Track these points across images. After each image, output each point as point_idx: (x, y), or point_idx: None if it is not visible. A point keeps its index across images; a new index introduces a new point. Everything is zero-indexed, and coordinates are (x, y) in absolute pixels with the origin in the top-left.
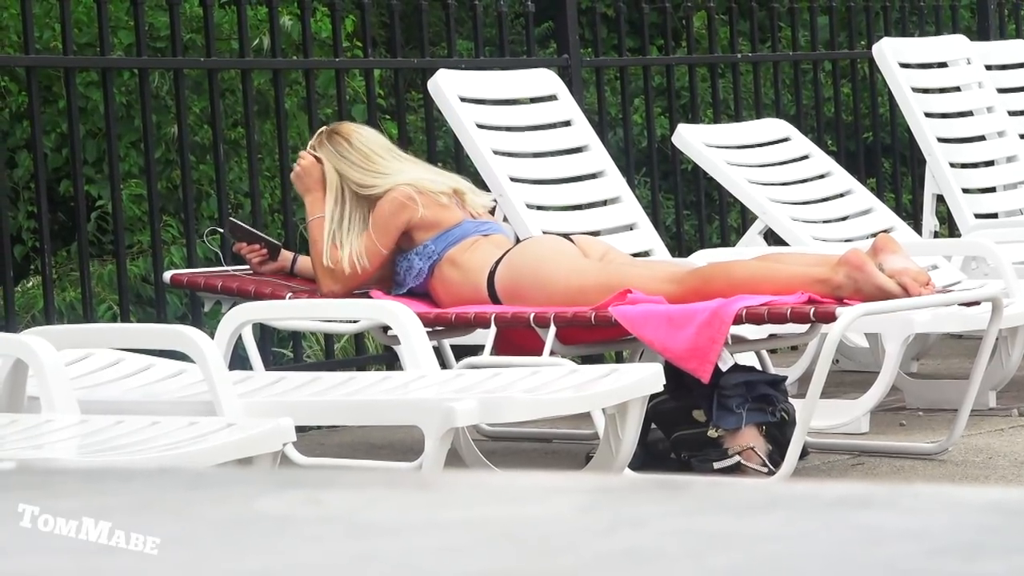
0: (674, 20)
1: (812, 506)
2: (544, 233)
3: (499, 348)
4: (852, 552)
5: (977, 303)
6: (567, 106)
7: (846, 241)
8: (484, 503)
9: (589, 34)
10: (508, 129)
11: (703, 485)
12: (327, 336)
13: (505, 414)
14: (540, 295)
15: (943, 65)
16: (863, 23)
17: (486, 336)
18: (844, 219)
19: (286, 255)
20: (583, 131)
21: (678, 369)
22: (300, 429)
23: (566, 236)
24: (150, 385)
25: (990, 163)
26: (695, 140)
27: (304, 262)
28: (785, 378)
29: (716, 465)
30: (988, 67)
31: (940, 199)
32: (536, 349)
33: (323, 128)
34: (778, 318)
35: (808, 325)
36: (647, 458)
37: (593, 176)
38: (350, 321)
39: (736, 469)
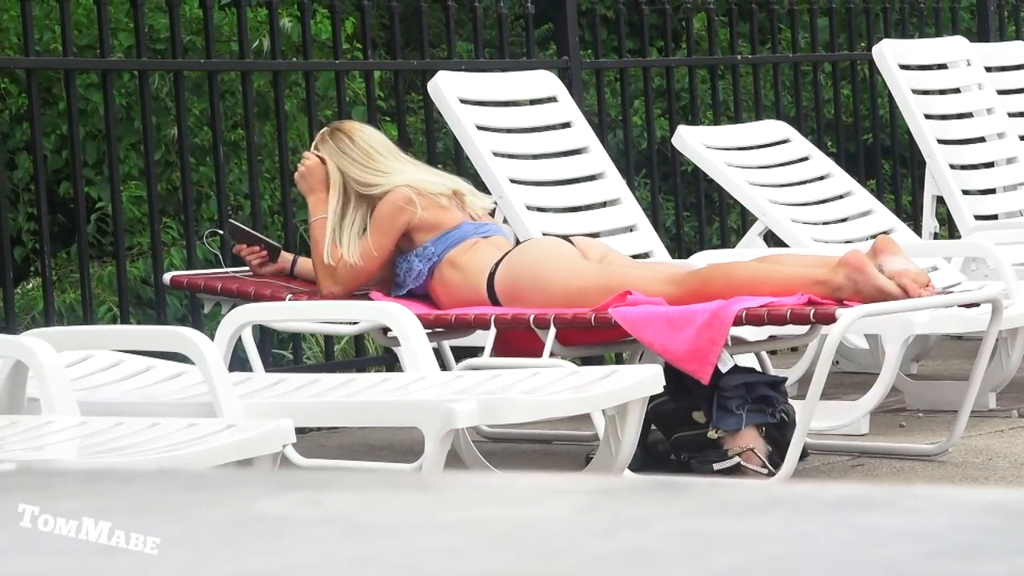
0: (674, 22)
1: (812, 507)
2: (544, 235)
3: (499, 349)
4: (852, 553)
5: (977, 304)
6: (567, 108)
7: (846, 242)
8: (484, 504)
9: (589, 36)
10: (508, 131)
11: (703, 486)
12: (327, 338)
13: (505, 415)
14: (540, 296)
15: (943, 67)
16: (863, 25)
17: (486, 337)
18: (844, 220)
19: (286, 257)
20: (583, 133)
21: (678, 370)
22: (300, 430)
23: (566, 238)
24: (150, 387)
25: (990, 164)
26: (695, 142)
27: (304, 264)
28: (785, 379)
29: (716, 466)
30: (988, 69)
31: (940, 200)
32: (536, 350)
33: (326, 127)
34: (778, 319)
35: (808, 326)
36: (647, 459)
37: (593, 178)
38: (350, 323)
39: (736, 470)
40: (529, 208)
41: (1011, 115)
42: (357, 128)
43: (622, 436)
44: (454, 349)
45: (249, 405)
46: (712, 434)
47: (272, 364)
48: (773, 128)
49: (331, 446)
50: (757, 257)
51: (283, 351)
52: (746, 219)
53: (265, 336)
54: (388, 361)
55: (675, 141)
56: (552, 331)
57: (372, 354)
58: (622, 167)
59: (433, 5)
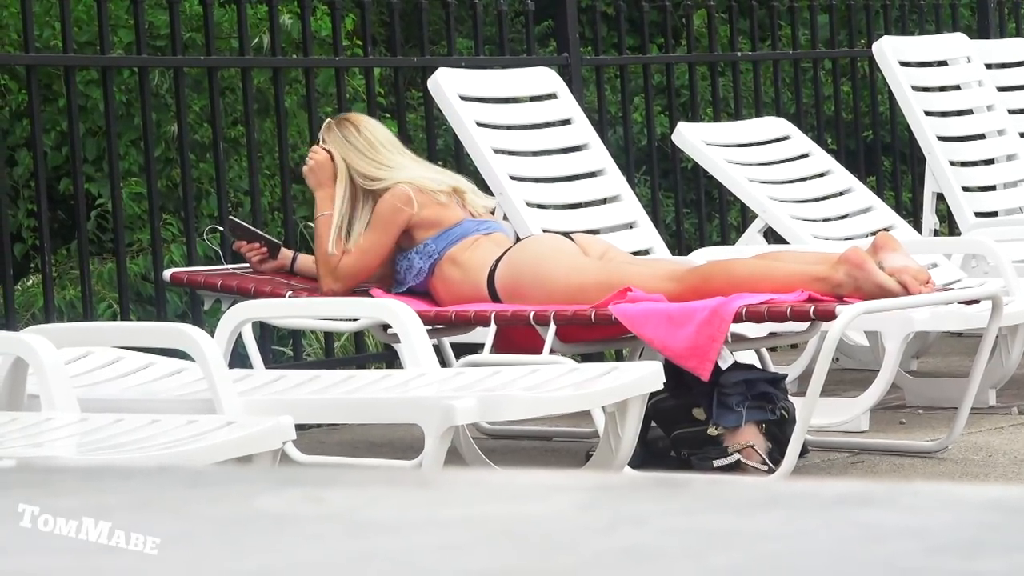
0: (674, 18)
1: (812, 504)
2: (544, 231)
3: (499, 346)
4: (852, 550)
5: (977, 301)
6: (567, 104)
7: (846, 239)
8: (484, 501)
9: (589, 32)
10: (508, 127)
11: (703, 483)
12: (327, 334)
13: (505, 412)
14: (540, 293)
15: (943, 63)
16: (863, 21)
17: (486, 334)
18: (844, 217)
19: (286, 253)
20: (583, 129)
21: (678, 367)
22: (300, 427)
23: (566, 234)
24: (150, 383)
25: (990, 161)
26: (695, 138)
27: (304, 260)
28: (785, 376)
29: (716, 463)
30: (988, 65)
31: (940, 197)
32: (536, 347)
33: (332, 118)
34: (778, 316)
35: (808, 323)
36: (647, 456)
37: (593, 174)
38: (350, 319)
39: (736, 467)
40: (529, 205)
41: (1011, 112)
42: (363, 120)
43: (622, 433)
44: (454, 346)
45: (249, 402)
46: (712, 431)
47: (272, 361)
48: (773, 125)
49: (331, 443)
50: (757, 254)
51: (283, 348)
52: (746, 216)
53: (265, 333)
54: (388, 358)
55: (675, 138)
56: (552, 328)
57: (372, 351)
58: (622, 164)
59: (433, 2)
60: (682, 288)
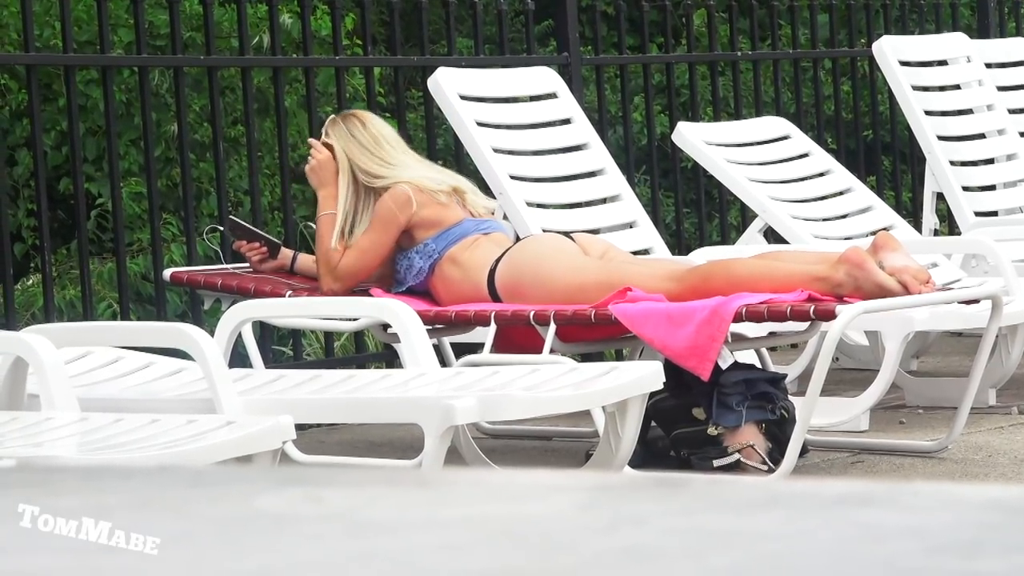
0: (674, 18)
1: (812, 504)
2: (544, 231)
3: (499, 346)
4: (852, 550)
5: (977, 301)
6: (567, 104)
7: (846, 239)
8: (484, 501)
9: (589, 32)
10: (508, 127)
11: (703, 483)
12: (327, 334)
13: (505, 412)
14: (540, 293)
15: (943, 63)
16: (863, 21)
17: (486, 334)
18: (844, 217)
19: (286, 253)
20: (583, 129)
21: (678, 367)
22: (300, 427)
23: (566, 234)
24: (149, 383)
25: (990, 161)
26: (695, 138)
27: (304, 260)
28: (785, 376)
29: (716, 463)
30: (988, 65)
31: (940, 197)
32: (536, 347)
33: (337, 114)
34: (778, 316)
35: (808, 323)
36: (647, 456)
37: (593, 174)
38: (350, 319)
39: (736, 467)
40: (529, 204)
41: (1011, 111)
42: (370, 116)
43: (622, 433)
44: (454, 345)
45: (249, 401)
46: (712, 431)
47: (272, 360)
48: (773, 124)
49: (331, 442)
50: (757, 253)
51: (283, 347)
52: (746, 216)
53: (265, 332)
54: (388, 357)
55: (675, 137)
56: (552, 327)
57: (372, 350)
58: (622, 163)
59: (433, 1)
60: (682, 288)
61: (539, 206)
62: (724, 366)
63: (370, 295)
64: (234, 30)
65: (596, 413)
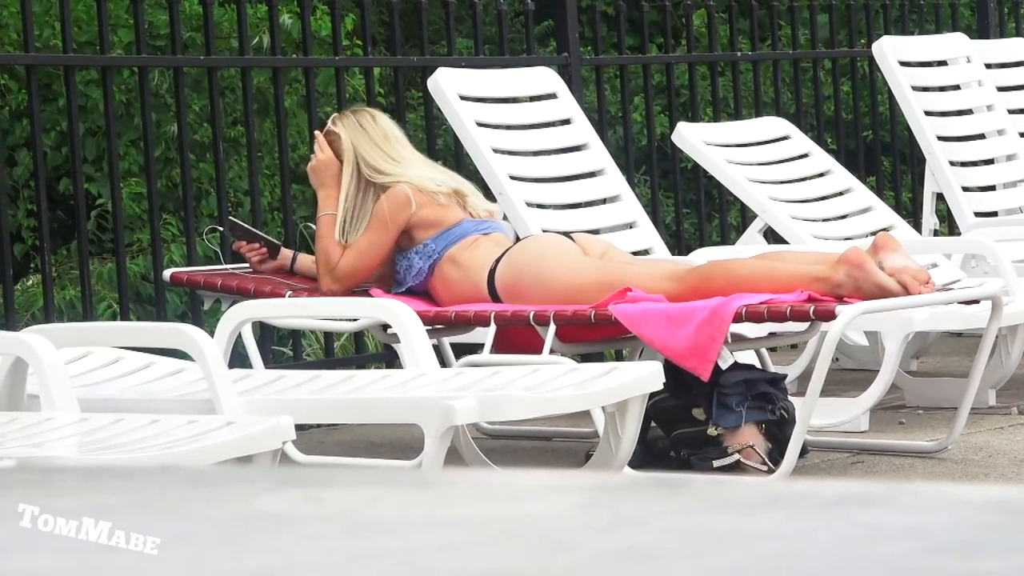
0: (674, 18)
1: (812, 504)
2: (544, 231)
3: (499, 346)
4: (852, 550)
5: (977, 301)
6: (567, 104)
7: (846, 239)
8: (484, 501)
9: (589, 32)
10: (508, 127)
11: (703, 483)
12: (327, 334)
13: (504, 412)
14: (540, 293)
15: (943, 63)
16: (863, 21)
17: (486, 334)
18: (844, 217)
19: (286, 253)
20: (583, 129)
21: (678, 367)
22: (300, 427)
23: (566, 234)
24: (150, 383)
25: (990, 161)
26: (695, 138)
27: (304, 260)
28: (785, 376)
29: (716, 463)
30: (988, 65)
31: (940, 197)
32: (536, 347)
33: (347, 109)
34: (778, 316)
35: (808, 323)
36: (647, 456)
37: (593, 174)
38: (350, 319)
39: (736, 467)
40: (529, 205)
41: (1011, 112)
42: (380, 113)
43: (622, 433)
44: (454, 346)
45: (249, 402)
46: (712, 431)
47: (272, 361)
48: (773, 125)
49: (331, 443)
50: (757, 254)
51: (283, 348)
52: (746, 216)
53: (265, 333)
54: (388, 358)
55: (675, 138)
56: (552, 328)
57: (372, 351)
58: (622, 164)
59: (433, 1)
60: (682, 288)
61: (539, 206)
62: (724, 366)
63: (370, 295)
64: (234, 30)
65: (596, 413)
